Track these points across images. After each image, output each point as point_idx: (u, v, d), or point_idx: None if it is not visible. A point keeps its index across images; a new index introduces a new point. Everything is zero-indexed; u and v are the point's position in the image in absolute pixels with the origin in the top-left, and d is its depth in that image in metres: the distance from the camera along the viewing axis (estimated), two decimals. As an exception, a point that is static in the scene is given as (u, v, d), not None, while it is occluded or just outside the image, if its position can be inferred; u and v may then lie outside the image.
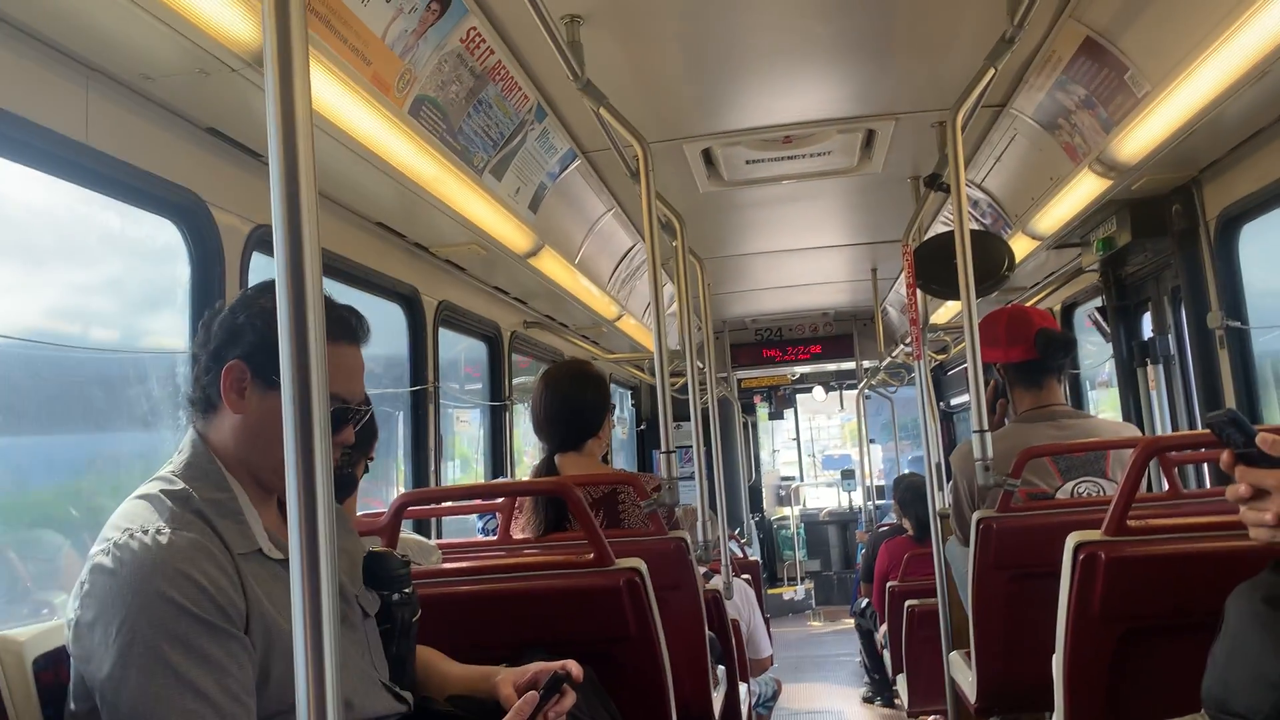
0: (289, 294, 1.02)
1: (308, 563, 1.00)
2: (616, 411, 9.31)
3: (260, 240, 2.89)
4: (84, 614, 1.48)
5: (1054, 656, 2.31)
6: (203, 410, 1.70)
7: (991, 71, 2.93)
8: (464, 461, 5.55)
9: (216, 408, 1.68)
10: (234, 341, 1.65)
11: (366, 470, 2.37)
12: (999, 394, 3.28)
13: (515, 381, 5.66)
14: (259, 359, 1.63)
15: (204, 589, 1.47)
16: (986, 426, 2.90)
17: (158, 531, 1.50)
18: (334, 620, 1.00)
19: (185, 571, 1.47)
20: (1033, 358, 3.16)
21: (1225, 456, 1.47)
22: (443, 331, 4.53)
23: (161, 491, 1.59)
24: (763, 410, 12.31)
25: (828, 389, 11.94)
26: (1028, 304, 5.57)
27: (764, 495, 12.54)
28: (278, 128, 1.03)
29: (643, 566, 2.40)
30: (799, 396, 12.43)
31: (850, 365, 9.93)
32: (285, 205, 1.03)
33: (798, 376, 11.52)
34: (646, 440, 10.10)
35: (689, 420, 4.06)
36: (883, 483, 11.47)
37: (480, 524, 3.56)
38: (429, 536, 4.00)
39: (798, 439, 13.53)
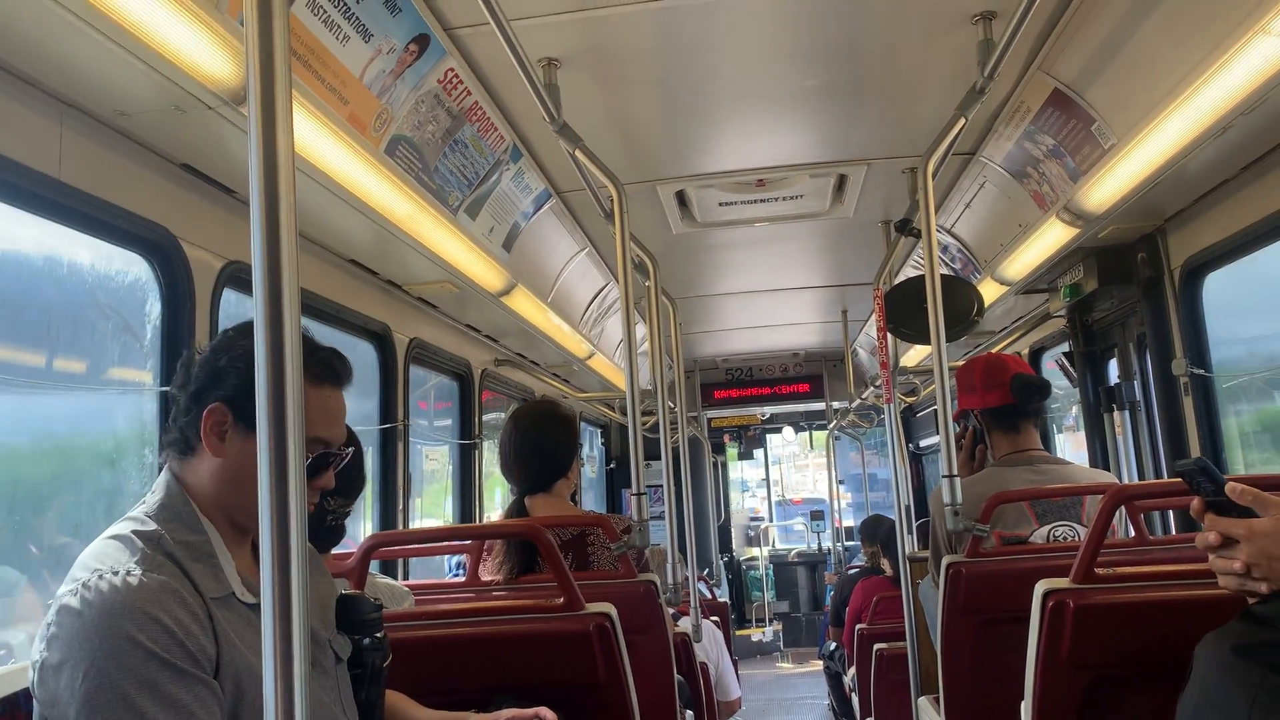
0: (267, 335, 1.01)
1: (280, 608, 0.98)
2: (586, 449, 9.29)
3: (232, 276, 2.87)
4: (50, 656, 1.44)
5: (1022, 703, 2.31)
6: (180, 452, 1.67)
7: (962, 121, 2.98)
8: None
9: (194, 450, 1.65)
10: (216, 384, 1.63)
11: (348, 514, 2.36)
12: (978, 439, 3.30)
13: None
14: (241, 402, 1.61)
15: (172, 633, 1.44)
16: (955, 471, 2.91)
17: (127, 573, 1.47)
18: (304, 667, 0.98)
19: (153, 615, 1.44)
20: (1009, 403, 3.18)
21: (1196, 504, 1.48)
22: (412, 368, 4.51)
23: (133, 532, 1.55)
24: (732, 450, 12.32)
25: (797, 429, 11.97)
26: (995, 349, 5.63)
27: (733, 535, 12.52)
28: (259, 171, 1.03)
29: (613, 611, 2.38)
30: (769, 437, 12.45)
31: (820, 406, 9.97)
32: (265, 247, 1.02)
33: (768, 416, 11.55)
34: (616, 479, 10.08)
35: (659, 459, 4.07)
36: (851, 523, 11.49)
37: (452, 563, 3.53)
38: (396, 576, 3.95)
39: (767, 479, 13.54)
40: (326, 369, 1.73)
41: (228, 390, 1.62)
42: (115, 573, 1.47)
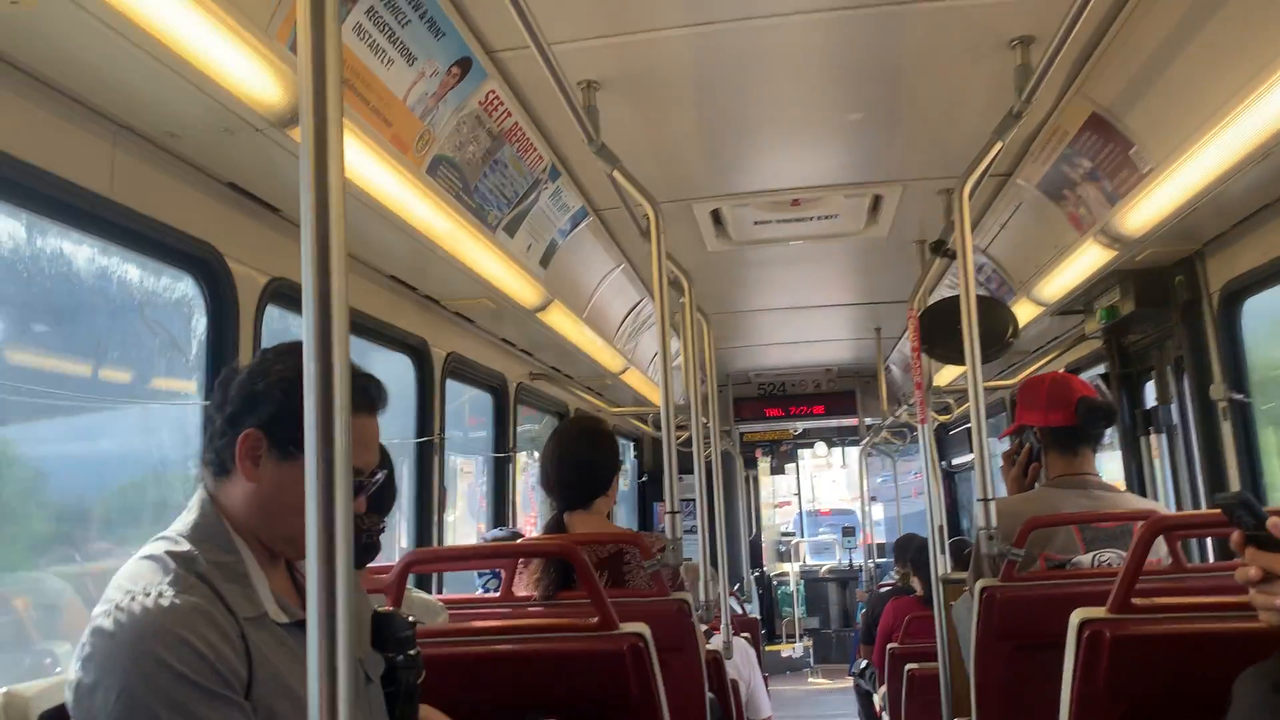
0: (316, 362, 1.02)
1: (325, 634, 0.99)
2: (620, 464, 9.28)
3: (275, 293, 2.92)
4: (84, 677, 1.46)
5: (1057, 730, 2.30)
6: (215, 473, 1.68)
7: (999, 145, 2.98)
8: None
9: (230, 472, 1.66)
10: (251, 409, 1.64)
11: (382, 530, 2.39)
12: (1033, 457, 3.26)
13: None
14: (276, 429, 1.62)
15: (203, 655, 1.46)
16: (991, 495, 2.90)
17: (159, 595, 1.48)
18: (349, 693, 0.99)
19: (184, 637, 1.45)
20: (1071, 424, 3.13)
21: (1236, 537, 1.47)
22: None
23: (166, 552, 1.57)
24: (764, 464, 12.29)
25: (830, 445, 11.93)
26: (1029, 369, 5.60)
27: (763, 550, 12.48)
28: (311, 197, 1.03)
29: (646, 631, 2.40)
30: (800, 452, 12.41)
31: (853, 422, 9.93)
32: (316, 277, 1.02)
33: (800, 431, 11.51)
34: (647, 492, 10.09)
35: (691, 474, 4.07)
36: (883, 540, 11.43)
37: (480, 581, 3.55)
38: (430, 589, 3.98)
39: (799, 494, 13.50)
40: (363, 395, 1.72)
41: (263, 416, 1.63)
42: (147, 594, 1.49)
